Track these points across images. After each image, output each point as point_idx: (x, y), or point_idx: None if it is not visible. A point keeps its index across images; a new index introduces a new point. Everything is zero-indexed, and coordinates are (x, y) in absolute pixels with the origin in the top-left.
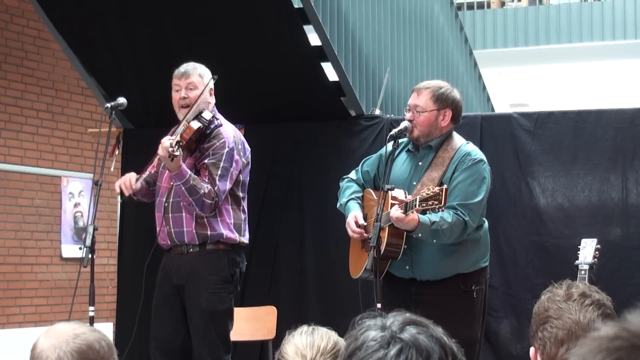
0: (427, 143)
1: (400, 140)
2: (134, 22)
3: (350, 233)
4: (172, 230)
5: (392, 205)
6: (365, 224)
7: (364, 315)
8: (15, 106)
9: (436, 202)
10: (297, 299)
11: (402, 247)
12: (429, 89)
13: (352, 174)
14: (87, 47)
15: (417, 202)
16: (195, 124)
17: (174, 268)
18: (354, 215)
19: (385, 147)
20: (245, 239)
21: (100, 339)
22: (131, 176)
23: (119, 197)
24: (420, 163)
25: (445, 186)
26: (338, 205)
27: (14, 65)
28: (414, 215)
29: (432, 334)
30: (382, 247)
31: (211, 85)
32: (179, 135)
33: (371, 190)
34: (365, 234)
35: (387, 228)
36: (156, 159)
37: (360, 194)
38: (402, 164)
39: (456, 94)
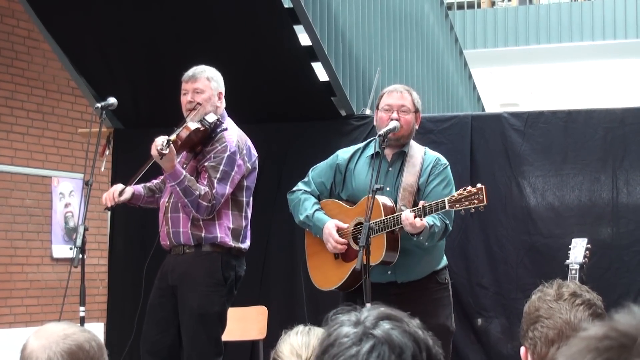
0: (401, 148)
1: (356, 147)
2: (124, 22)
3: (332, 244)
4: (171, 230)
5: (384, 209)
6: (347, 226)
7: (338, 310)
8: (5, 106)
9: (475, 202)
10: (287, 299)
11: (398, 252)
12: (408, 91)
13: (302, 186)
14: (77, 47)
15: (446, 204)
16: (193, 125)
17: (170, 268)
18: (335, 225)
19: (337, 155)
20: (245, 245)
21: (90, 339)
22: (115, 189)
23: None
24: (390, 169)
25: (480, 185)
26: (302, 218)
27: (4, 66)
28: (424, 221)
29: (405, 329)
30: (382, 254)
31: (221, 89)
32: (174, 135)
33: (340, 202)
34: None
35: (384, 235)
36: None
37: (319, 206)
38: (366, 172)
39: None
